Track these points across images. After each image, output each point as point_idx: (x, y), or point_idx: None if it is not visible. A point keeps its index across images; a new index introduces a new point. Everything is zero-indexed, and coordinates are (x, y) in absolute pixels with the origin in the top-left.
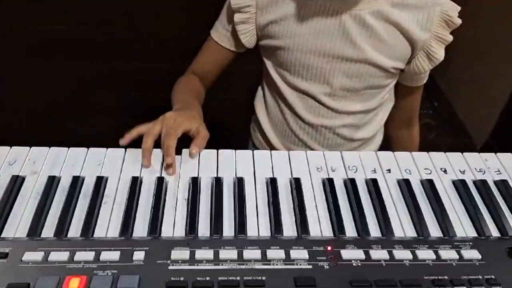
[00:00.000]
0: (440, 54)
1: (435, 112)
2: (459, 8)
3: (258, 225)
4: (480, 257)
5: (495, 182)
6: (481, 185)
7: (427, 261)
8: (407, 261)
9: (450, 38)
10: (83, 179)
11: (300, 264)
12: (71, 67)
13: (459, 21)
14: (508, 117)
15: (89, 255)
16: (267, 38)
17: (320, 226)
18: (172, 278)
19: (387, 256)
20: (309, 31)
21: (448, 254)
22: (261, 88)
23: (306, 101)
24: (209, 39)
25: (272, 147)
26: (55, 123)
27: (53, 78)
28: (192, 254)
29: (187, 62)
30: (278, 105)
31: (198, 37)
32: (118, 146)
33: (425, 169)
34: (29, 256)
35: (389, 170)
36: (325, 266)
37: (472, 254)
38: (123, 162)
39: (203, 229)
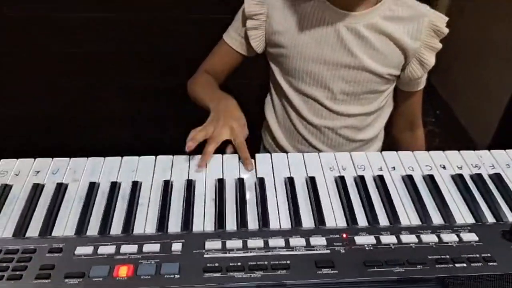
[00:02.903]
0: (431, 60)
1: (437, 119)
2: (446, 18)
3: (279, 218)
4: (477, 239)
5: (490, 176)
6: (477, 178)
7: (430, 243)
8: (413, 244)
9: (439, 45)
10: (120, 184)
11: (319, 250)
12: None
13: (446, 30)
14: (508, 122)
15: (133, 248)
16: (274, 47)
17: (335, 217)
18: (208, 264)
19: (395, 241)
20: (310, 41)
21: (449, 237)
22: (269, 94)
23: (310, 104)
24: (221, 42)
25: (281, 148)
26: (60, 130)
27: (59, 86)
28: (224, 244)
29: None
30: (284, 108)
31: (206, 53)
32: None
33: (426, 166)
34: (80, 250)
35: (394, 168)
36: (341, 250)
37: (470, 237)
38: (154, 168)
39: (230, 224)
